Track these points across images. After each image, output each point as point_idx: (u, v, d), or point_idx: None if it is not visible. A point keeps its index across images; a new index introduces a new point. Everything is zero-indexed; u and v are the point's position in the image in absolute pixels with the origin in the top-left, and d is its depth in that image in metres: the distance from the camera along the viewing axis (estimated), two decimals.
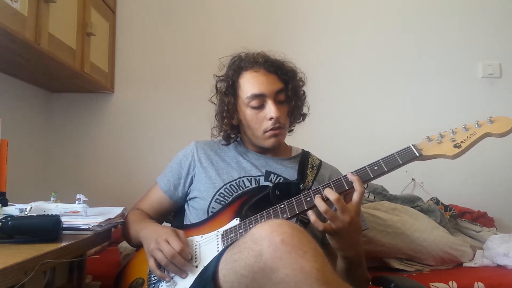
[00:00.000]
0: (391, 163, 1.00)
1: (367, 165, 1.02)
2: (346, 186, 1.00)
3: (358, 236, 1.03)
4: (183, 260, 1.03)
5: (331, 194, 0.97)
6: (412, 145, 1.01)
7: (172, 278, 1.05)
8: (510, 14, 2.34)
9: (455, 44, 2.32)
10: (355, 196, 0.98)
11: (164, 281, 1.06)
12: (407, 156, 0.99)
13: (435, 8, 2.34)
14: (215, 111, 1.33)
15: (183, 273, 1.04)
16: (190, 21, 2.30)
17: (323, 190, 1.00)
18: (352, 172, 1.02)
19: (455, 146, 0.97)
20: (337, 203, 0.96)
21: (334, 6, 2.34)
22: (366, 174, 1.01)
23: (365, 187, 1.87)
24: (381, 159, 1.01)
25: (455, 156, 0.97)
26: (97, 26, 1.98)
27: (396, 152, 1.01)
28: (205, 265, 1.02)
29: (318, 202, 0.98)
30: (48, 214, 1.05)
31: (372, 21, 2.34)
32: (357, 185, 0.98)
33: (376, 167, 1.01)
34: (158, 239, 1.06)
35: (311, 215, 0.97)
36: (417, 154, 0.99)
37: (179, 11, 2.31)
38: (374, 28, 2.33)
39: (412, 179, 2.22)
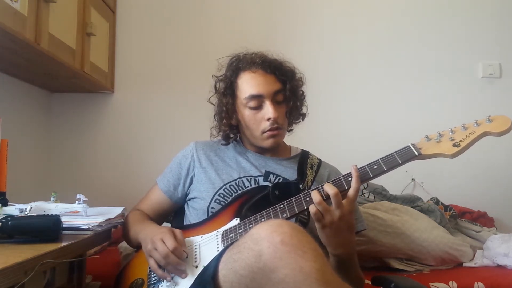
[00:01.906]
0: (391, 162, 1.00)
1: (367, 165, 1.02)
2: (345, 186, 1.01)
3: (349, 235, 1.02)
4: (176, 259, 1.02)
5: (330, 188, 0.97)
6: (411, 145, 1.01)
7: (172, 278, 1.05)
8: (510, 14, 2.34)
9: (455, 44, 2.32)
10: (350, 193, 0.98)
11: (164, 282, 1.06)
12: (406, 155, 1.00)
13: (435, 8, 2.34)
14: (214, 111, 1.33)
15: (181, 273, 1.04)
16: (190, 21, 2.30)
17: (322, 188, 1.00)
18: (355, 165, 1.01)
19: (454, 145, 0.97)
20: (334, 197, 0.96)
21: (334, 6, 2.34)
22: (365, 173, 1.01)
23: (365, 186, 1.91)
24: (380, 159, 1.01)
25: (454, 155, 0.97)
26: (97, 26, 1.98)
27: (395, 152, 1.01)
28: (205, 265, 1.02)
29: (314, 194, 0.98)
30: (48, 214, 1.05)
31: (372, 21, 2.34)
32: (353, 182, 0.99)
33: (375, 167, 1.01)
34: (153, 239, 1.06)
35: (311, 208, 0.98)
36: (416, 153, 0.99)
37: (179, 11, 2.31)
38: (374, 28, 2.33)
39: (412, 179, 2.21)
